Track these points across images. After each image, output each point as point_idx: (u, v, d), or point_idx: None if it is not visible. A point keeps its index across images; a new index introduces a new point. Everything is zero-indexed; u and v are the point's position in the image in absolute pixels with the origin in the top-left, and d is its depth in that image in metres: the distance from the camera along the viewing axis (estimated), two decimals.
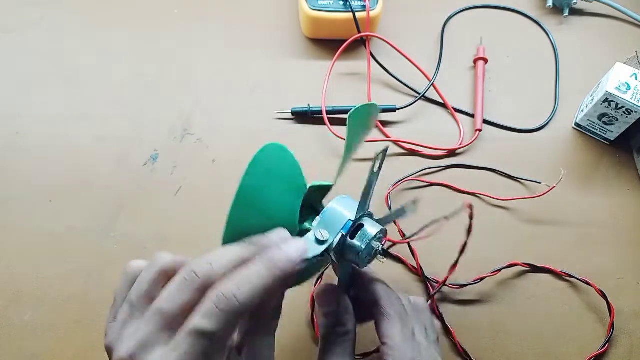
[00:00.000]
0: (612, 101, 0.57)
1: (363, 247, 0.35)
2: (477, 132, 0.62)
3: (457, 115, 0.63)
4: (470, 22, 0.71)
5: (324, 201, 0.38)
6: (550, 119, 0.64)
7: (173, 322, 0.26)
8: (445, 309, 0.52)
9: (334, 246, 0.34)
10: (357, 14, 0.62)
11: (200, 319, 0.25)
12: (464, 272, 0.53)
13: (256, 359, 0.30)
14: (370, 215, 0.37)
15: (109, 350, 0.28)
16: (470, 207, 0.35)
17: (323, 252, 0.33)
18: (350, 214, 0.35)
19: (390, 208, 0.56)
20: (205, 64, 0.65)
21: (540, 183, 0.57)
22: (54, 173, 0.58)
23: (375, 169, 0.35)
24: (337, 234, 0.34)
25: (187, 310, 0.26)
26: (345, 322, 0.35)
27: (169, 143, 0.60)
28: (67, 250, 0.53)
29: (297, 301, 0.50)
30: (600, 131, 0.61)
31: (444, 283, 0.47)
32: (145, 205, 0.56)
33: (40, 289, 0.51)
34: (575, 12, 0.72)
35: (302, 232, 0.35)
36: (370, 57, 0.64)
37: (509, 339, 0.51)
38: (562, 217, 0.57)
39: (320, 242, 0.33)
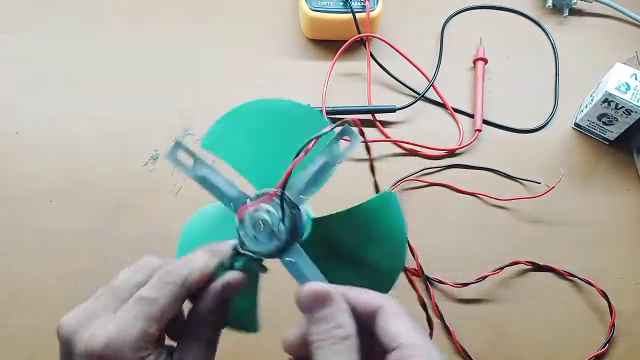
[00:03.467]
0: (612, 101, 0.57)
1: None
2: (477, 132, 0.62)
3: (457, 115, 0.63)
4: (470, 22, 0.71)
5: None
6: (550, 119, 0.64)
7: (122, 298, 0.29)
8: (446, 308, 0.52)
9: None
10: (357, 14, 0.62)
11: (145, 289, 0.28)
12: (464, 271, 0.53)
13: None
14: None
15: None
16: (357, 123, 0.30)
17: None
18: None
19: None
20: (206, 64, 0.65)
21: (539, 183, 0.57)
22: (54, 173, 0.58)
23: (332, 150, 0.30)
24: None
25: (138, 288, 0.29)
26: (344, 324, 0.27)
27: (170, 143, 0.60)
28: (67, 250, 0.53)
29: None
30: (600, 131, 0.61)
31: None
32: (145, 205, 0.56)
33: (40, 289, 0.52)
34: (575, 12, 0.72)
35: None
36: (370, 57, 0.64)
37: (509, 338, 0.51)
38: (561, 217, 0.57)
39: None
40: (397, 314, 0.28)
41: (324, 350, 0.27)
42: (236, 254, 0.31)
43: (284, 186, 0.30)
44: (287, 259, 0.31)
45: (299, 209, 0.31)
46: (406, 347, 0.27)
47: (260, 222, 0.30)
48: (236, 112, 0.34)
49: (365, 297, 0.29)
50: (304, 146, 0.28)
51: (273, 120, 0.33)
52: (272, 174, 0.32)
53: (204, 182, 0.32)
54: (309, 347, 0.28)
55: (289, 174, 0.29)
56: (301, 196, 0.30)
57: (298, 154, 0.29)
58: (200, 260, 0.30)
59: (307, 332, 0.28)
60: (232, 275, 0.30)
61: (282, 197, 0.30)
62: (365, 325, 0.28)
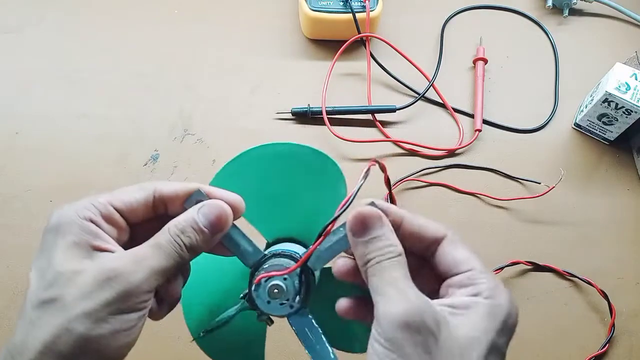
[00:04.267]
0: (612, 101, 0.57)
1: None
2: (477, 132, 0.62)
3: (457, 115, 0.63)
4: (470, 22, 0.71)
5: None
6: (550, 119, 0.64)
7: None
8: None
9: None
10: (357, 14, 0.62)
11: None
12: None
13: None
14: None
15: None
16: (379, 164, 0.31)
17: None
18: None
19: None
20: (206, 64, 0.65)
21: (539, 183, 0.57)
22: (54, 173, 0.58)
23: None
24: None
25: None
26: (396, 243, 0.29)
27: (170, 143, 0.60)
28: None
29: None
30: (600, 131, 0.61)
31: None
32: None
33: None
34: (575, 12, 0.72)
35: None
36: (370, 57, 0.64)
37: None
38: (561, 217, 0.57)
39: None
40: (462, 243, 0.30)
41: (381, 266, 0.28)
42: (245, 308, 0.31)
43: (305, 263, 0.30)
44: (294, 320, 0.31)
45: (314, 277, 0.31)
46: (476, 270, 0.29)
47: (276, 290, 0.30)
48: (242, 158, 0.34)
49: (432, 225, 0.30)
50: (325, 228, 0.28)
51: (279, 165, 0.33)
52: (279, 220, 0.33)
53: (226, 237, 0.31)
54: (362, 269, 0.29)
55: (311, 254, 0.29)
56: (317, 264, 0.30)
57: (320, 235, 0.29)
58: (178, 184, 0.32)
59: (360, 255, 0.29)
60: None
61: (301, 275, 0.30)
62: (421, 251, 0.31)
